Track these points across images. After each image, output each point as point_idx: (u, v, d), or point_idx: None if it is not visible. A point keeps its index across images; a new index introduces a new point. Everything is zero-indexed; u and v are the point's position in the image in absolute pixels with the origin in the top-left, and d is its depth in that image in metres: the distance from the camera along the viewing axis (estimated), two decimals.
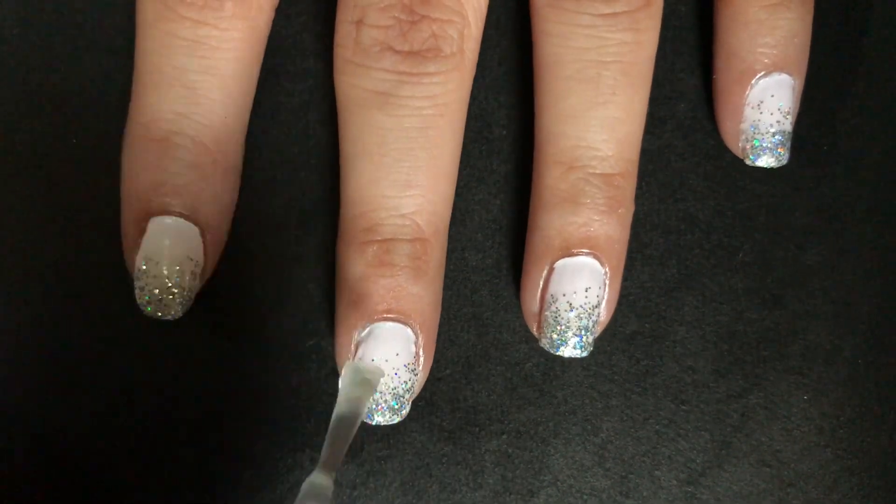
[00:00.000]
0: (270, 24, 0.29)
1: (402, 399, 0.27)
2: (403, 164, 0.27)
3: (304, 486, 0.23)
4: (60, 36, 0.30)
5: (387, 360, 0.27)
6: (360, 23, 0.27)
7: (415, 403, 0.29)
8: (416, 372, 0.27)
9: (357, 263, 0.27)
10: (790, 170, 0.30)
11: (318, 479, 0.23)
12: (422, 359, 0.27)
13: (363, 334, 0.27)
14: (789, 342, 0.30)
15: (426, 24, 0.27)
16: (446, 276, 0.30)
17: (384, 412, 0.27)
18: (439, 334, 0.29)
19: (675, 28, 0.31)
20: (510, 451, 0.30)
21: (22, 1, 0.30)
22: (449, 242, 0.30)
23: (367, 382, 0.26)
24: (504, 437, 0.30)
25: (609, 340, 0.30)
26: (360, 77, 0.27)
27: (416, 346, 0.27)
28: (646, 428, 0.30)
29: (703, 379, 0.30)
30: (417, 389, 0.28)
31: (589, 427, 0.30)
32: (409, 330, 0.27)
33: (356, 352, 0.27)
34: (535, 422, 0.30)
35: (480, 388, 0.30)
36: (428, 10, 0.27)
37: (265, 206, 0.30)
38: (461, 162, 0.30)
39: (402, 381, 0.27)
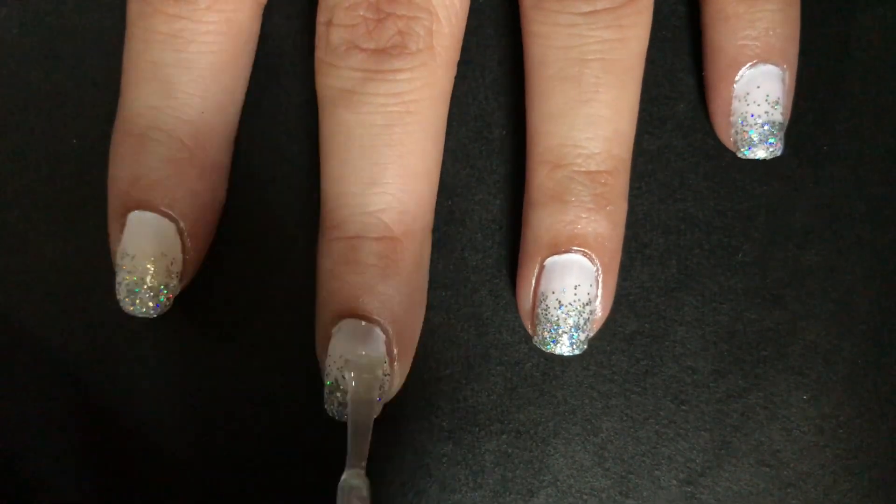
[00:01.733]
0: (257, 20, 0.29)
1: None
2: (366, 161, 0.27)
3: (340, 485, 0.25)
4: (60, 36, 0.30)
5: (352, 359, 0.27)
6: (329, 23, 0.27)
7: (415, 403, 0.29)
8: (386, 372, 0.27)
9: (327, 260, 0.27)
10: (790, 170, 0.30)
11: (351, 480, 0.25)
12: (396, 359, 0.27)
13: (334, 331, 0.27)
14: (789, 342, 0.30)
15: (392, 21, 0.27)
16: (446, 276, 0.30)
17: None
18: (439, 334, 0.29)
19: (674, 28, 0.31)
20: (510, 451, 0.30)
21: (22, 1, 0.30)
22: (449, 242, 0.30)
23: (367, 378, 0.26)
24: (504, 437, 0.30)
25: (609, 340, 0.30)
26: (330, 76, 0.27)
27: (386, 345, 0.27)
28: (646, 428, 0.30)
29: (703, 379, 0.30)
30: (392, 390, 0.28)
31: (589, 427, 0.30)
32: (377, 329, 0.27)
33: (328, 348, 0.27)
34: (534, 422, 0.30)
35: (480, 388, 0.30)
36: (394, 7, 0.27)
37: (264, 206, 0.30)
38: (461, 162, 0.30)
39: None
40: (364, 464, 0.25)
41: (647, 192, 0.30)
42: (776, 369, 0.30)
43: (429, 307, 0.29)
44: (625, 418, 0.30)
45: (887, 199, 0.31)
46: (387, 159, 0.27)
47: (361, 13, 0.27)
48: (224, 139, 0.29)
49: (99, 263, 0.29)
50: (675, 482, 0.30)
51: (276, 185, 0.30)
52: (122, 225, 0.27)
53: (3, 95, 0.30)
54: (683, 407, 0.30)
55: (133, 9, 0.28)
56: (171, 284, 0.27)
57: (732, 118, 0.29)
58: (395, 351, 0.27)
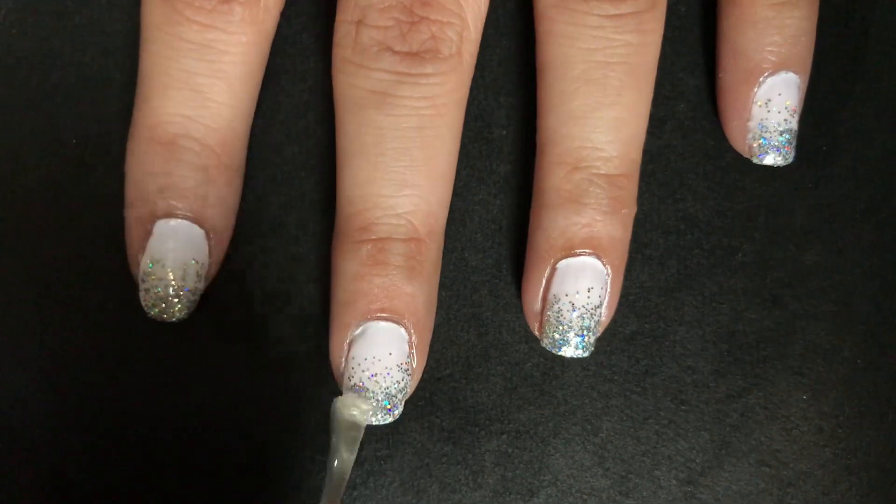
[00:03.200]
0: (276, 26, 0.29)
1: (394, 399, 0.27)
2: (399, 164, 0.27)
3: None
4: (60, 36, 0.30)
5: (379, 360, 0.27)
6: (360, 23, 0.27)
7: (415, 403, 0.29)
8: (408, 372, 0.27)
9: (351, 262, 0.27)
10: (790, 170, 0.30)
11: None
12: (415, 359, 0.27)
13: (356, 333, 0.27)
14: (789, 342, 0.30)
15: (425, 25, 0.27)
16: (446, 276, 0.30)
17: (376, 412, 0.27)
18: (439, 334, 0.29)
19: (675, 28, 0.31)
20: (510, 451, 0.30)
21: (22, 1, 0.30)
22: (449, 242, 0.30)
23: (355, 425, 0.26)
24: (504, 437, 0.30)
25: (609, 340, 0.30)
26: (358, 77, 0.27)
27: (409, 345, 0.27)
28: (646, 428, 0.30)
29: (703, 379, 0.30)
30: (410, 390, 0.28)
31: (589, 427, 0.30)
32: (402, 329, 0.27)
33: (349, 351, 0.27)
34: (535, 422, 0.30)
35: (480, 388, 0.30)
36: (428, 11, 0.27)
37: (265, 206, 0.30)
38: (461, 162, 0.30)
39: (394, 381, 0.27)
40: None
41: (647, 192, 0.30)
42: (776, 369, 0.30)
43: None
44: (625, 418, 0.30)
45: (887, 199, 0.31)
46: (418, 162, 0.27)
47: (395, 15, 0.27)
48: (245, 144, 0.29)
49: (99, 263, 0.29)
50: (675, 482, 0.30)
51: (275, 185, 0.30)
52: (147, 232, 0.27)
53: (3, 95, 0.30)
54: (683, 407, 0.30)
55: (157, 14, 0.27)
56: (200, 288, 0.28)
57: (751, 123, 0.29)
58: (416, 352, 0.27)
